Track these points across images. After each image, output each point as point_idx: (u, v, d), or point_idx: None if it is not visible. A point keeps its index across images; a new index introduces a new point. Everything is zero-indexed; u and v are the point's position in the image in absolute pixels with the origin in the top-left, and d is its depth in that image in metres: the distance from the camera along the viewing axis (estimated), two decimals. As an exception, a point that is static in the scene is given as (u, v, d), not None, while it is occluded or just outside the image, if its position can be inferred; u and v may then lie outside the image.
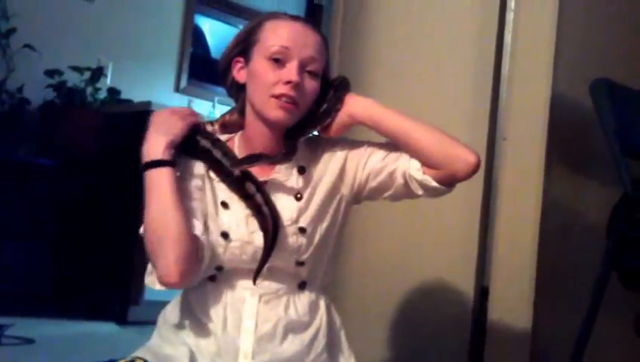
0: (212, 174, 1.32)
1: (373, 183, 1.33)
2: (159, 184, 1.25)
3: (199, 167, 1.33)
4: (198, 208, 1.28)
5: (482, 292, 1.96)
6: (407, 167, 1.29)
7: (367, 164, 1.33)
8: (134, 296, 3.41)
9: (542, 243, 1.85)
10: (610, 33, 2.10)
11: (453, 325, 1.98)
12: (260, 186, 1.29)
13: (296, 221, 1.29)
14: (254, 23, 1.35)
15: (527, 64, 1.95)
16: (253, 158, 1.28)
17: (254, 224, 1.28)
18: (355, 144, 1.37)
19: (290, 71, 1.27)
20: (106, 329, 3.28)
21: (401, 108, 2.09)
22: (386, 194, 1.34)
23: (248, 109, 1.34)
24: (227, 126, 1.40)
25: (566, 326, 1.81)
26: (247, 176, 1.29)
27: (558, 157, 1.92)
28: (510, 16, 2.02)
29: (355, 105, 1.33)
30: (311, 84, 1.30)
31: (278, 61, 1.28)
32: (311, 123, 1.33)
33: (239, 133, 1.38)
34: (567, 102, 1.93)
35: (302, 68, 1.28)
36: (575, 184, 1.99)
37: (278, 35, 1.29)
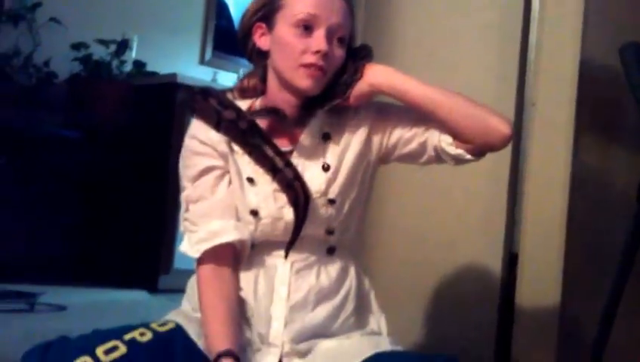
0: (235, 147, 1.29)
1: (403, 150, 1.32)
2: None
3: (221, 144, 1.28)
4: (232, 205, 1.28)
5: (511, 259, 1.96)
6: (439, 140, 1.27)
7: (395, 131, 1.31)
8: (164, 264, 3.46)
9: (571, 210, 1.84)
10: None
11: (483, 291, 1.98)
12: (289, 160, 1.27)
13: (326, 193, 1.27)
14: None
15: (556, 29, 1.93)
16: (272, 111, 1.27)
17: (282, 198, 1.26)
18: (381, 109, 1.34)
19: (319, 39, 1.23)
20: (137, 296, 3.33)
21: (427, 75, 2.11)
22: (417, 161, 1.33)
23: (271, 76, 1.30)
24: (245, 91, 1.36)
25: (595, 294, 1.80)
26: (274, 148, 1.26)
27: (587, 123, 1.90)
28: (538, -20, 2.00)
29: (375, 75, 1.27)
30: (338, 52, 1.26)
31: (306, 28, 1.24)
32: (330, 95, 1.29)
33: (259, 99, 1.35)
34: (596, 67, 1.91)
35: (330, 35, 1.24)
36: (605, 149, 1.97)
37: (304, 1, 1.24)
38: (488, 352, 1.96)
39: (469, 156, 1.27)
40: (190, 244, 1.27)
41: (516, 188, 1.98)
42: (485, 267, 1.97)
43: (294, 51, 1.24)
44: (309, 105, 1.28)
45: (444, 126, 1.26)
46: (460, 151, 1.27)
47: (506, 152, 1.96)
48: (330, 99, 1.28)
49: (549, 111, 1.91)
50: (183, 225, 1.31)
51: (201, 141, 1.29)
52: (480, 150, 1.27)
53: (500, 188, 1.97)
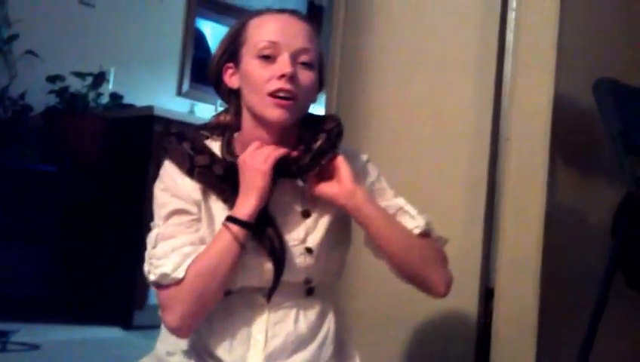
0: (209, 193, 1.26)
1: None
2: (232, 243, 1.20)
3: (195, 191, 1.25)
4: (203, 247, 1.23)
5: (487, 294, 1.95)
6: None
7: None
8: (139, 300, 3.42)
9: (547, 243, 1.84)
10: (613, 31, 2.10)
11: (459, 327, 1.97)
12: (265, 207, 1.23)
13: (304, 241, 1.26)
14: (238, 24, 1.30)
15: (530, 63, 1.94)
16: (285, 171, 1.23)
17: (259, 246, 1.24)
18: (363, 174, 1.32)
19: (282, 64, 1.21)
20: (111, 333, 3.29)
21: (403, 108, 2.13)
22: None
23: (245, 114, 1.28)
24: (221, 127, 1.34)
25: (572, 327, 1.80)
26: None
27: (561, 157, 1.91)
28: (512, 15, 2.02)
29: (346, 196, 1.23)
30: (306, 75, 1.23)
31: (268, 58, 1.22)
32: (303, 157, 1.24)
33: (235, 135, 1.32)
34: (570, 102, 1.92)
35: (294, 60, 1.22)
36: (579, 183, 1.99)
37: (264, 31, 1.24)
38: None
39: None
40: (163, 274, 1.20)
41: (492, 222, 1.98)
42: (461, 302, 1.96)
43: (260, 81, 1.22)
44: (282, 170, 1.23)
45: (386, 258, 1.29)
46: (394, 271, 1.30)
47: (481, 186, 1.97)
48: (303, 167, 1.25)
49: (524, 146, 1.91)
50: (147, 264, 1.22)
51: (174, 183, 1.26)
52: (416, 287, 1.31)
53: (475, 223, 1.97)
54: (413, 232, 1.28)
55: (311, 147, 1.24)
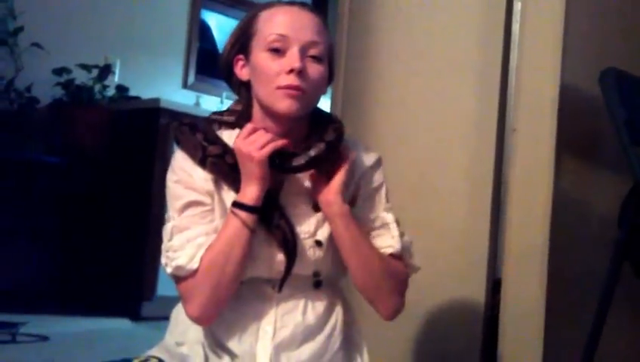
0: (222, 184, 1.27)
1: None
2: (241, 228, 1.21)
3: (208, 182, 1.26)
4: None
5: (494, 286, 1.96)
6: None
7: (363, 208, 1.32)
8: (147, 291, 3.43)
9: (553, 234, 1.84)
10: (619, 22, 2.09)
11: (467, 318, 1.98)
12: (276, 199, 1.25)
13: (314, 234, 1.27)
14: (249, 16, 1.30)
15: (536, 55, 1.94)
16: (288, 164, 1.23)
17: (269, 237, 1.25)
18: (361, 177, 1.33)
19: (291, 58, 1.21)
20: (120, 325, 3.31)
21: (409, 99, 2.13)
22: None
23: (255, 106, 1.29)
24: (235, 119, 1.34)
25: (580, 319, 1.80)
26: None
27: (568, 148, 1.91)
28: (518, 6, 2.02)
29: (323, 196, 1.25)
30: (316, 69, 1.23)
31: (277, 51, 1.22)
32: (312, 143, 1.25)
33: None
34: (576, 93, 1.92)
35: (303, 53, 1.22)
36: (586, 174, 1.99)
37: (273, 24, 1.24)
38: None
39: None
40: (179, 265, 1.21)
41: (498, 214, 1.98)
42: (469, 293, 1.97)
43: (270, 74, 1.22)
44: (276, 163, 1.23)
45: (349, 270, 1.29)
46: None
47: (488, 177, 1.97)
48: (296, 168, 1.24)
49: (530, 137, 1.91)
50: (164, 257, 1.24)
51: (188, 174, 1.27)
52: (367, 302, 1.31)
53: (482, 215, 1.97)
54: (381, 253, 1.29)
55: (308, 152, 1.24)
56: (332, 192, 1.24)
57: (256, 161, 1.19)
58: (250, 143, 1.21)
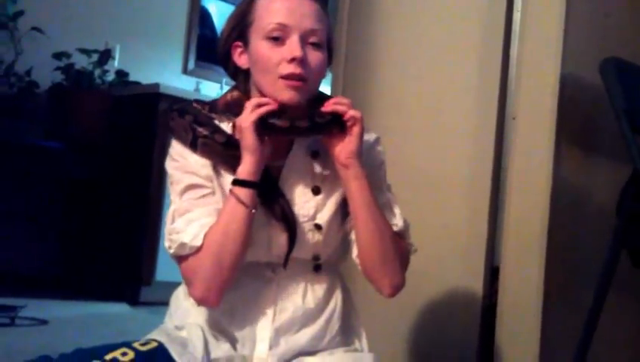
0: (220, 169, 1.26)
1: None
2: (237, 205, 1.20)
3: (205, 167, 1.26)
4: None
5: (493, 273, 1.97)
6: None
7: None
8: (146, 276, 3.44)
9: (552, 222, 1.85)
10: (620, 11, 2.09)
11: (465, 305, 1.98)
12: (275, 181, 1.25)
13: (313, 217, 1.27)
14: (246, 3, 1.29)
15: (537, 42, 1.94)
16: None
17: (269, 220, 1.25)
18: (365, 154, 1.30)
19: (292, 47, 1.20)
20: (119, 309, 3.32)
21: (409, 86, 2.12)
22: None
23: (254, 93, 1.28)
24: (229, 105, 1.32)
25: (577, 307, 1.81)
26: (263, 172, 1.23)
27: (567, 136, 1.92)
28: (519, -5, 2.01)
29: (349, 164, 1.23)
30: (316, 56, 1.23)
31: (277, 39, 1.21)
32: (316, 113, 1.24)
33: None
34: (576, 81, 1.92)
35: (303, 41, 1.21)
36: (585, 162, 1.99)
37: (272, 12, 1.22)
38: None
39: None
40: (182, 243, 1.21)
41: (497, 201, 1.99)
42: (467, 280, 1.97)
43: (270, 64, 1.22)
44: (271, 126, 1.21)
45: (357, 240, 1.27)
46: (357, 262, 1.29)
47: (487, 165, 1.97)
48: (299, 129, 1.23)
49: (530, 125, 1.92)
50: (167, 240, 1.24)
51: (185, 159, 1.27)
52: (368, 279, 1.29)
53: (481, 202, 1.98)
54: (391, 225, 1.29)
55: (314, 119, 1.23)
56: (346, 154, 1.23)
57: (244, 128, 1.19)
58: (242, 116, 1.20)
